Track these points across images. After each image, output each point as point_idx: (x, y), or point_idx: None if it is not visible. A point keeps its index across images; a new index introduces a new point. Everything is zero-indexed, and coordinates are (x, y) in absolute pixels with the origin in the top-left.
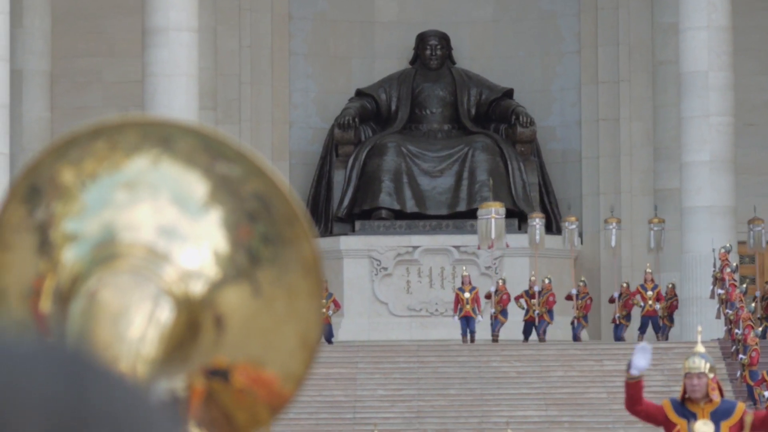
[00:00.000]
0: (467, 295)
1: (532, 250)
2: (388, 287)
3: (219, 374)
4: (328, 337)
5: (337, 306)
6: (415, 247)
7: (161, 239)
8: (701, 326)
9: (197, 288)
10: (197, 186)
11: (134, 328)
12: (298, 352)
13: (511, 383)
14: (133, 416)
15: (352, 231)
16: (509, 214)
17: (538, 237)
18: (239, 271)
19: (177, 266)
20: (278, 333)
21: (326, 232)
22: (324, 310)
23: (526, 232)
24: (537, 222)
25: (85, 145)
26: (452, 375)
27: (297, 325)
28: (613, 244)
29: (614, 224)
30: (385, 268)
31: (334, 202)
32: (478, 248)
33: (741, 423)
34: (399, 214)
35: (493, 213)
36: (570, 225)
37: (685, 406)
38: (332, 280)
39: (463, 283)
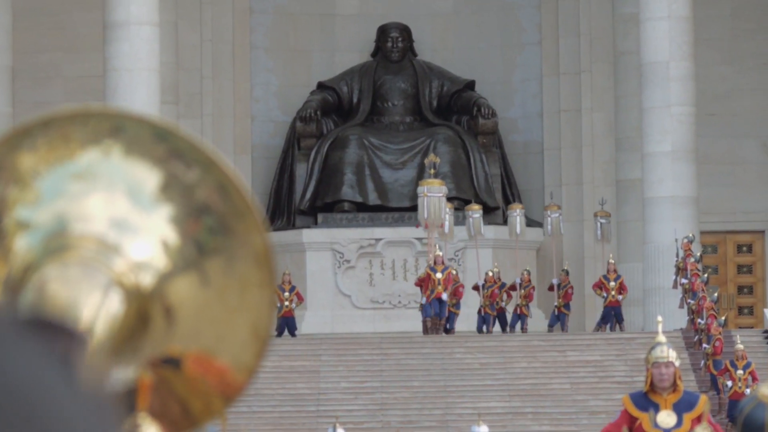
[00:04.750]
0: (439, 275)
1: (504, 242)
2: (351, 280)
3: (170, 362)
4: (292, 330)
5: (300, 299)
6: (378, 240)
7: (112, 231)
8: (661, 316)
9: (147, 279)
10: (148, 178)
11: (83, 319)
12: (250, 342)
13: (475, 375)
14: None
15: (315, 224)
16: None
17: (519, 228)
18: (188, 262)
19: (127, 258)
20: (230, 323)
21: (289, 225)
22: (287, 303)
23: (488, 223)
24: (517, 212)
25: (37, 136)
26: (415, 367)
27: (249, 316)
28: (550, 232)
29: (554, 211)
30: (348, 261)
31: (296, 195)
32: (417, 227)
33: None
34: (361, 207)
35: (425, 191)
36: (514, 213)
37: (648, 397)
38: (295, 273)
39: (435, 262)
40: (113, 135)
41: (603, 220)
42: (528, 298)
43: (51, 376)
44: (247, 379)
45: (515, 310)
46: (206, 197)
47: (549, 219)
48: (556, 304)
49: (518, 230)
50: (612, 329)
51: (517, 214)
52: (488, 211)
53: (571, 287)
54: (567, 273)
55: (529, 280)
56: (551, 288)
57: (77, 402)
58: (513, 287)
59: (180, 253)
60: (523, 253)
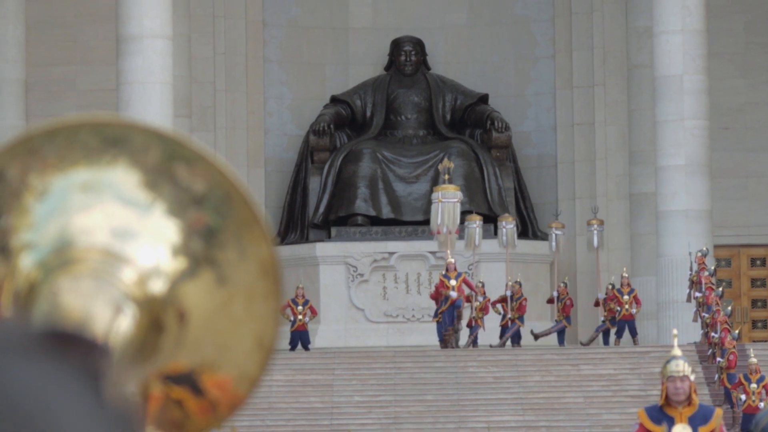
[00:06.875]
0: (453, 282)
1: (518, 255)
2: (365, 293)
3: (184, 381)
4: (305, 343)
5: (314, 312)
6: (391, 253)
7: (116, 240)
8: (676, 329)
9: (158, 286)
10: (153, 187)
11: (98, 332)
12: (254, 353)
13: (488, 388)
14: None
15: (328, 237)
16: (485, 219)
17: (505, 239)
18: (197, 260)
19: (135, 266)
20: (234, 333)
21: (302, 238)
22: (301, 316)
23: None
24: (508, 225)
25: (41, 145)
26: (429, 381)
27: (253, 326)
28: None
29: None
30: (362, 275)
31: (309, 209)
32: (430, 234)
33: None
34: (375, 221)
35: (440, 197)
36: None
37: (663, 411)
38: (308, 287)
39: (447, 269)
40: (118, 145)
41: (599, 228)
42: (520, 310)
43: (73, 389)
44: (248, 391)
45: (505, 322)
46: (212, 203)
47: (554, 236)
48: (556, 318)
49: (505, 242)
50: (635, 342)
51: (504, 226)
52: None
53: (570, 299)
54: (566, 285)
55: (521, 293)
56: (550, 300)
57: (102, 416)
58: (503, 299)
59: (188, 253)
60: (537, 266)
